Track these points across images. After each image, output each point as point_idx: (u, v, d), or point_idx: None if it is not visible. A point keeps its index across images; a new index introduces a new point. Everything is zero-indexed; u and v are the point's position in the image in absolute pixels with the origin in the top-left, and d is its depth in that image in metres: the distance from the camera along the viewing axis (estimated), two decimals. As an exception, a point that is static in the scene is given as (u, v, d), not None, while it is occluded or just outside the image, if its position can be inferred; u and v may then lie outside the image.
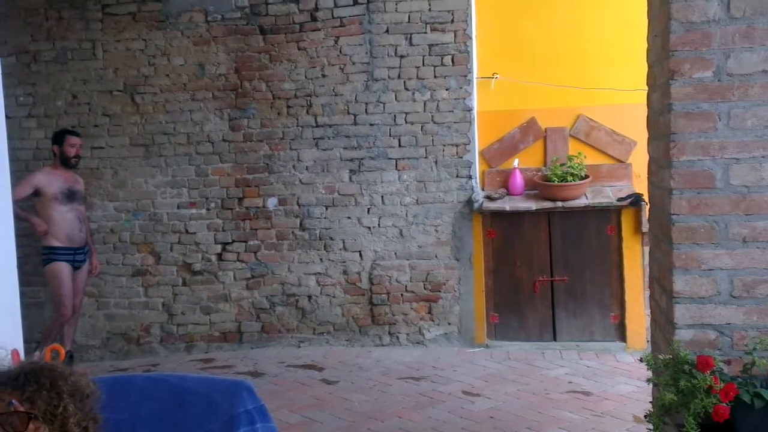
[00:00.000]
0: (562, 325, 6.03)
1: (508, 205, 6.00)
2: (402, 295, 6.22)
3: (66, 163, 5.89)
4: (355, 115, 6.26)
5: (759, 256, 2.56)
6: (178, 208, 6.49)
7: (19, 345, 3.37)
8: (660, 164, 2.88)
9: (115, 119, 6.54)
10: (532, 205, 5.95)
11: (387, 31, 6.19)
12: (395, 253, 6.22)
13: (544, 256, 6.02)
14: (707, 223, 2.60)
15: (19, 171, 6.19)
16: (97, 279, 6.52)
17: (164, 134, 6.49)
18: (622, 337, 5.92)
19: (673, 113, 2.63)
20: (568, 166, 5.95)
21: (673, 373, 2.46)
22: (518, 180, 6.17)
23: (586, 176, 5.96)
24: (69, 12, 6.54)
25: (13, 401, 1.64)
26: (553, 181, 5.92)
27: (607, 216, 5.92)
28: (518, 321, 6.10)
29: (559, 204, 5.91)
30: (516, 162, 6.25)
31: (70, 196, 5.85)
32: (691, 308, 2.61)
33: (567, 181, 5.89)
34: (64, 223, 5.78)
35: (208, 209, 6.46)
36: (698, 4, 2.59)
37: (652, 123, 3.17)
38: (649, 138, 3.26)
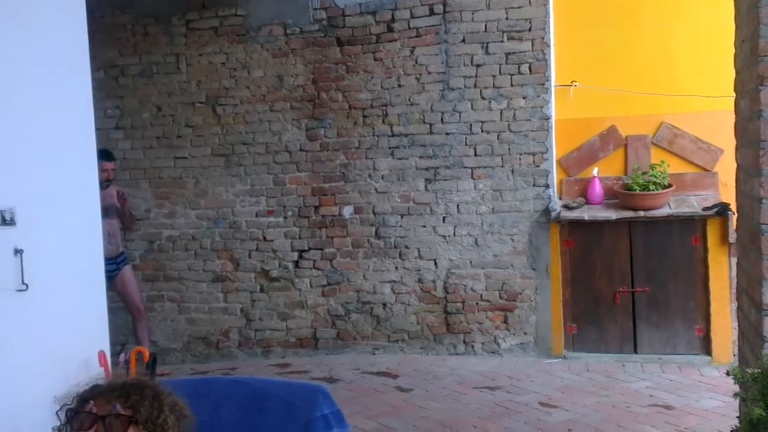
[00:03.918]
0: (643, 337, 5.87)
1: (586, 214, 5.89)
2: (477, 304, 6.17)
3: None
4: (430, 125, 6.26)
5: None
6: (257, 216, 6.63)
7: (106, 347, 3.51)
8: (749, 172, 2.79)
9: (197, 130, 6.73)
10: (612, 215, 5.83)
11: (463, 40, 6.17)
12: (470, 262, 6.18)
13: (625, 267, 5.88)
14: (800, 232, 2.51)
15: (107, 180, 6.44)
16: (180, 284, 6.72)
17: (244, 144, 6.64)
18: (707, 351, 5.73)
19: (763, 120, 2.56)
20: (651, 175, 5.81)
21: (762, 388, 2.37)
22: (597, 189, 6.06)
23: (669, 185, 5.80)
24: (154, 27, 6.78)
25: (117, 405, 1.74)
26: (635, 190, 5.79)
27: (691, 226, 5.75)
28: (597, 332, 5.97)
29: (641, 213, 5.77)
30: (595, 171, 6.14)
31: (102, 212, 5.97)
32: (782, 321, 2.51)
33: (649, 190, 5.75)
34: None
35: (285, 217, 6.57)
36: (790, 6, 2.51)
37: (740, 130, 3.08)
38: (737, 145, 3.16)
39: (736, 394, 2.58)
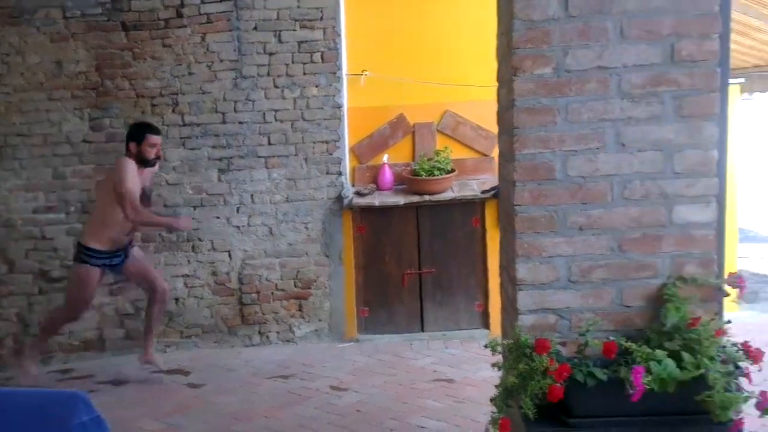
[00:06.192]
0: (429, 315, 6.14)
1: (377, 200, 6.05)
2: (272, 293, 6.15)
3: (145, 163, 5.15)
4: (223, 114, 6.14)
5: (594, 242, 2.69)
6: (34, 212, 6.16)
7: None
8: (506, 158, 2.98)
9: (-36, 120, 6.13)
10: (401, 200, 6.03)
11: (255, 28, 6.10)
12: (265, 252, 6.15)
13: (412, 250, 6.12)
14: (547, 212, 2.71)
15: None
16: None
17: (18, 136, 6.13)
18: (486, 325, 6.10)
19: (516, 108, 2.72)
20: (435, 161, 6.08)
21: (516, 357, 2.56)
22: (387, 175, 6.25)
23: (453, 170, 6.10)
24: None
25: None
26: (421, 176, 6.03)
27: (471, 208, 6.08)
28: (387, 314, 6.17)
29: (427, 198, 6.02)
30: (385, 157, 6.32)
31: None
32: (533, 294, 2.71)
33: (434, 175, 6.01)
34: (116, 227, 5.09)
35: (67, 213, 6.16)
36: (539, 3, 2.67)
37: (500, 118, 3.27)
38: (498, 132, 3.37)
39: (493, 365, 2.76)
